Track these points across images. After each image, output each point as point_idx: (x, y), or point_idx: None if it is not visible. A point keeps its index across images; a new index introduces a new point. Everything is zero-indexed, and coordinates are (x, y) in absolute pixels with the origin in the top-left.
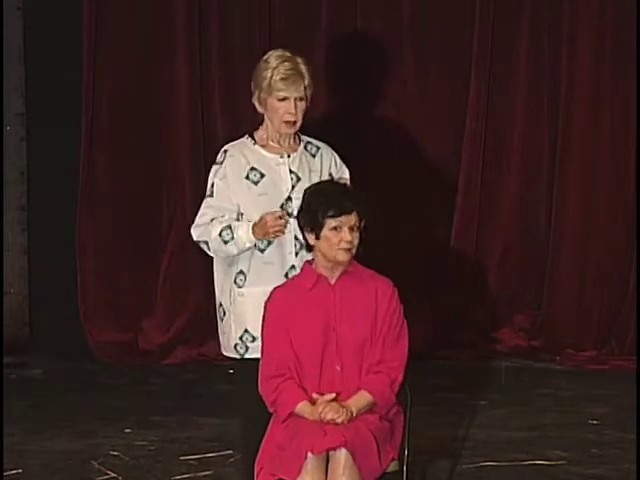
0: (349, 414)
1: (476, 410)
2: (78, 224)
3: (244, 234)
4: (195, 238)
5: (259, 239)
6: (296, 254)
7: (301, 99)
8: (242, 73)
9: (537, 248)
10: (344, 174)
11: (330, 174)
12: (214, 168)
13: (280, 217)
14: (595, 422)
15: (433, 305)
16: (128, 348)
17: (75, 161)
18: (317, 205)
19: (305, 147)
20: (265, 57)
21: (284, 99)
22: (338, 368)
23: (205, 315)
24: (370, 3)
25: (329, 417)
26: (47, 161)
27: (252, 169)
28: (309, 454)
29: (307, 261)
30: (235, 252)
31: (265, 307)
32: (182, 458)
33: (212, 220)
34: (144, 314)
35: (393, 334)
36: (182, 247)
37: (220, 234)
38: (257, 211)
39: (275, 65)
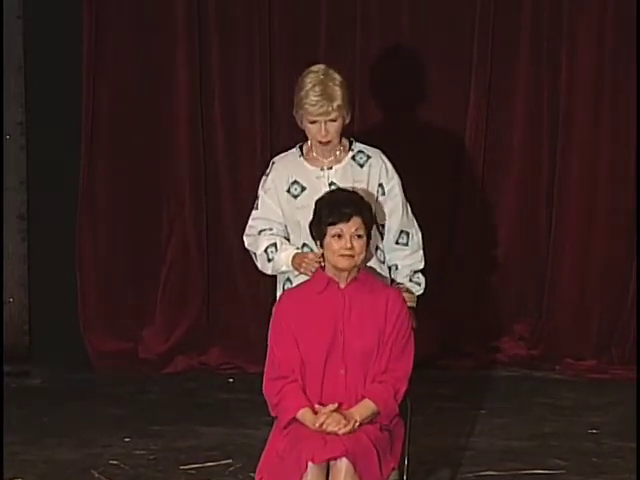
0: (353, 424)
1: (476, 419)
2: (78, 233)
3: (285, 258)
4: (246, 246)
5: (295, 268)
6: None
7: (332, 120)
8: (241, 81)
9: (537, 257)
10: (394, 183)
11: (380, 184)
12: (262, 179)
13: (318, 262)
14: (595, 431)
15: (432, 314)
16: (128, 357)
17: (75, 170)
18: (320, 214)
19: (353, 157)
20: (304, 73)
21: (314, 122)
22: (342, 372)
23: (205, 324)
24: (369, 15)
25: (330, 429)
26: (47, 170)
27: (294, 182)
28: (310, 463)
29: (320, 267)
30: (270, 272)
31: (273, 309)
32: (182, 467)
33: (260, 232)
34: (144, 323)
35: (400, 345)
36: (182, 256)
37: (265, 250)
38: (296, 224)
39: (307, 89)
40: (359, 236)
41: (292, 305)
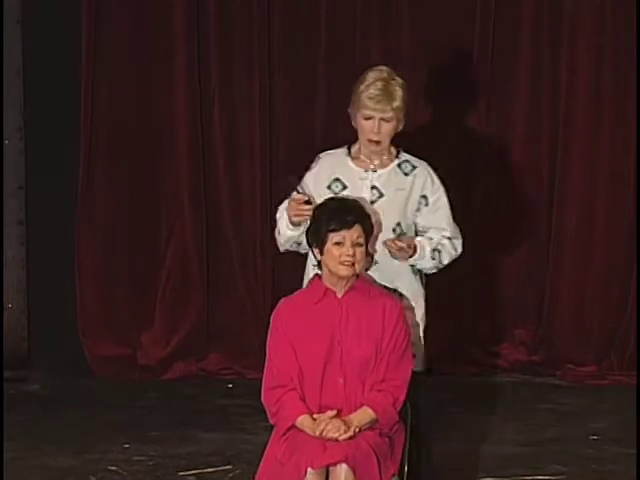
0: (352, 430)
1: (476, 425)
2: (77, 239)
3: (285, 216)
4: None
5: (289, 218)
6: (366, 270)
7: (386, 120)
8: (241, 82)
9: (537, 263)
10: (439, 195)
11: (424, 195)
12: (306, 175)
13: (306, 202)
14: (595, 437)
15: (433, 320)
16: (127, 363)
17: (74, 175)
18: (320, 220)
19: (399, 165)
20: (367, 70)
21: (369, 118)
22: (341, 381)
23: (204, 330)
24: (369, 19)
25: (330, 435)
26: (46, 175)
27: (336, 180)
28: (309, 469)
29: (317, 275)
30: (280, 238)
31: (271, 318)
32: (181, 474)
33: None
34: (143, 329)
35: (398, 353)
36: (181, 261)
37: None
38: None
39: (368, 83)
40: (360, 244)
41: (290, 314)
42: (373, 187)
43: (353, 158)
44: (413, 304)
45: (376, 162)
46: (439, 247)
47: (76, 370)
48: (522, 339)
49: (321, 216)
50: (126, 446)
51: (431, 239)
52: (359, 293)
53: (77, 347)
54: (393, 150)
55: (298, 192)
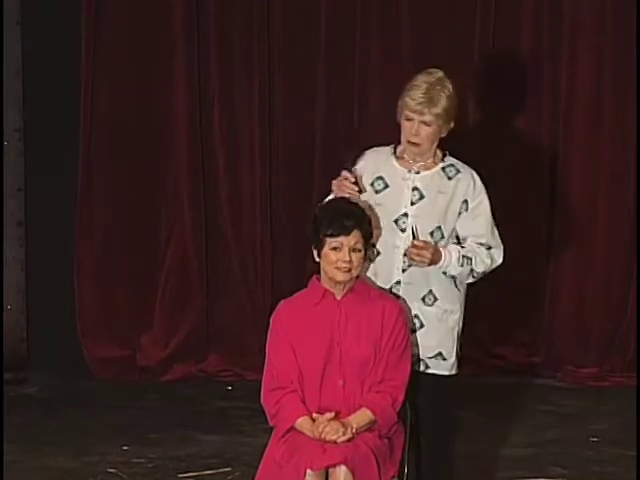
0: (350, 432)
1: (476, 426)
2: (76, 240)
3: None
4: None
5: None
6: (403, 270)
7: (426, 124)
8: (241, 83)
9: (538, 264)
10: (480, 200)
11: (465, 200)
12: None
13: (354, 182)
14: (595, 439)
15: None
16: (126, 364)
17: (73, 176)
18: (319, 223)
19: (443, 168)
20: (419, 73)
21: (410, 119)
22: (340, 383)
23: (204, 331)
24: (369, 19)
25: (329, 438)
26: (45, 176)
27: (379, 178)
28: (308, 471)
29: (316, 276)
30: None
31: (271, 320)
32: (181, 476)
33: None
34: (142, 330)
35: (396, 354)
36: (181, 262)
37: None
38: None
39: (415, 84)
40: (358, 250)
41: (289, 316)
42: (415, 188)
43: (398, 158)
44: (448, 307)
45: (420, 163)
46: (470, 254)
47: (75, 372)
48: (522, 340)
49: (321, 219)
50: (125, 448)
51: (463, 246)
52: (358, 295)
53: (76, 348)
54: (439, 153)
55: (349, 171)
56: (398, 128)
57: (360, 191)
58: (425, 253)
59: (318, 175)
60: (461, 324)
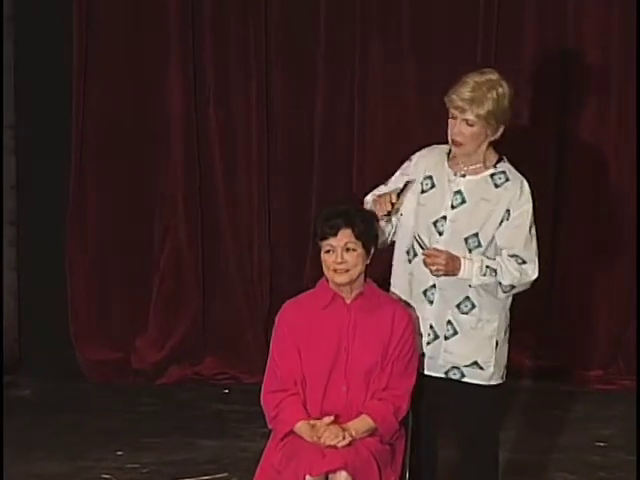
0: (348, 437)
1: None
2: (68, 240)
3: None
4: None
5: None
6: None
7: (469, 124)
8: (237, 82)
9: (543, 266)
10: (522, 211)
11: (508, 210)
12: (405, 163)
13: (391, 203)
14: (602, 444)
15: None
16: (120, 367)
17: (66, 175)
18: (314, 230)
19: (492, 175)
20: (472, 72)
21: (454, 117)
22: (344, 389)
23: (200, 333)
24: (369, 19)
25: (328, 442)
26: (37, 175)
27: (428, 177)
28: (307, 477)
29: (326, 277)
30: None
31: (276, 319)
32: None
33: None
34: (137, 332)
35: (402, 362)
36: (175, 264)
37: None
38: (413, 219)
39: (463, 81)
40: (352, 249)
41: (296, 316)
42: (457, 192)
43: (450, 159)
44: (486, 316)
45: (469, 167)
46: (494, 265)
47: (68, 375)
48: (528, 343)
49: (315, 224)
50: (119, 453)
51: (488, 257)
52: (368, 300)
53: (69, 351)
54: (492, 158)
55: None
56: (398, 128)
57: (390, 213)
58: (438, 260)
59: (316, 175)
60: (503, 334)
